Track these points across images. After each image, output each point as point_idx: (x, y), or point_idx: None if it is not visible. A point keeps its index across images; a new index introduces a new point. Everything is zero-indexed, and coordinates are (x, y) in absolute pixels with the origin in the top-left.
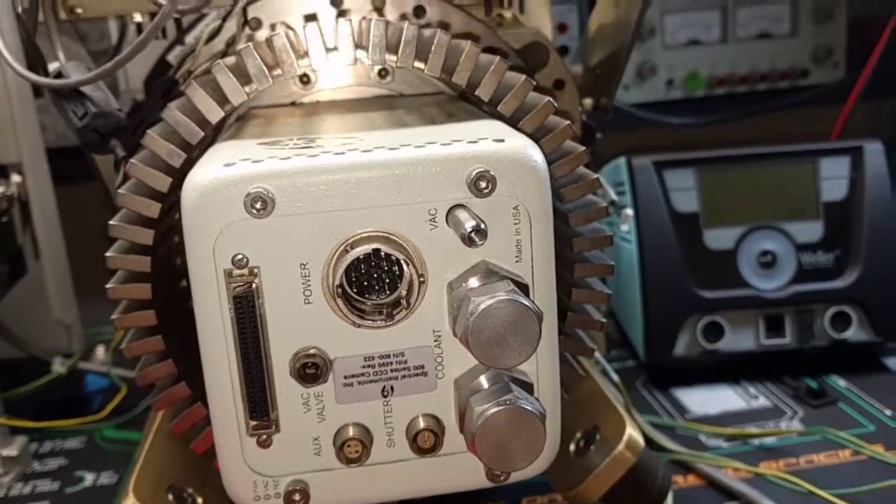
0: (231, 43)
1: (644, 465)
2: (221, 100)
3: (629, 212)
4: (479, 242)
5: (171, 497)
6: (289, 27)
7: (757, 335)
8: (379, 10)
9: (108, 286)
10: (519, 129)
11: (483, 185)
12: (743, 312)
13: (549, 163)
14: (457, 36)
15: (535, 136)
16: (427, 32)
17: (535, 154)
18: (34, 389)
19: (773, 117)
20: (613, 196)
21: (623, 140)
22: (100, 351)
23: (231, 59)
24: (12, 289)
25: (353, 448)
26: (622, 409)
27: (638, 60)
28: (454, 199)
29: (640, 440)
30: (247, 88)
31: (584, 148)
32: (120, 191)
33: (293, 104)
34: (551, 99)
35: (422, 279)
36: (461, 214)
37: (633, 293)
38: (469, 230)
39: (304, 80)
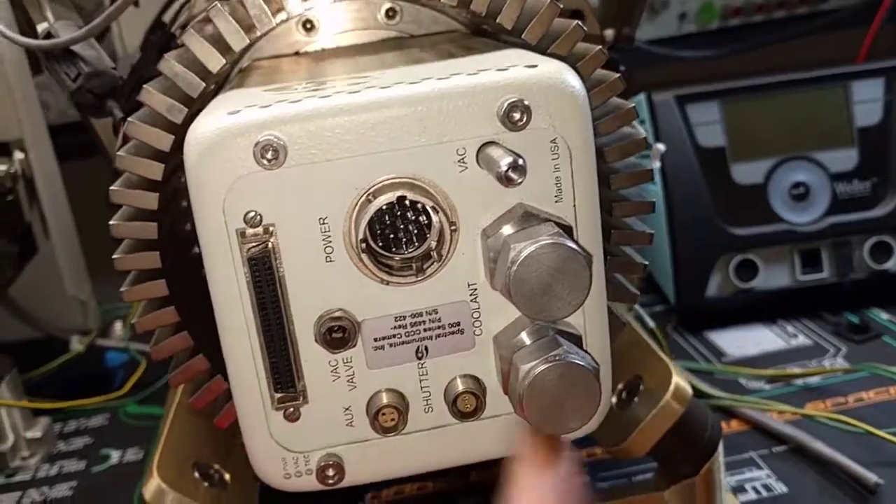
0: None
1: (693, 416)
2: (222, 47)
3: (661, 147)
4: (518, 180)
5: (196, 474)
6: None
7: (793, 271)
8: None
9: (114, 256)
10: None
11: (517, 116)
12: (777, 248)
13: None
14: None
15: (567, 63)
16: None
17: (573, 79)
18: (54, 369)
19: (793, 45)
20: (642, 132)
21: (640, 77)
22: (117, 326)
23: (229, 4)
24: (24, 268)
25: (389, 416)
26: (666, 358)
27: None
28: (485, 136)
29: (688, 389)
30: (248, 34)
31: (618, 74)
32: (119, 153)
33: (297, 54)
34: (579, 22)
35: (453, 227)
36: (494, 152)
37: (660, 234)
38: (505, 168)
39: (308, 26)
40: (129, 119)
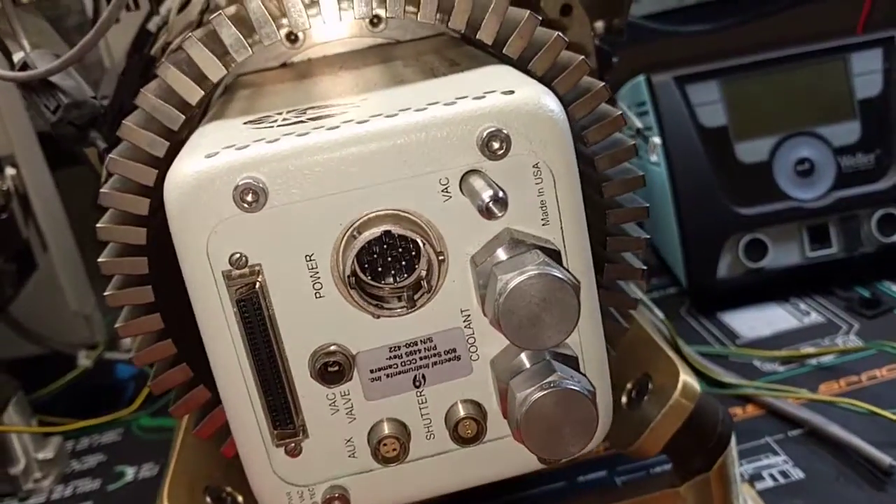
0: (205, 10)
1: (703, 411)
2: (199, 77)
3: (657, 140)
4: (500, 214)
5: (208, 499)
6: None
7: (802, 248)
8: None
9: (106, 293)
10: (529, 72)
11: (496, 145)
12: (785, 226)
13: (567, 104)
14: None
15: (549, 77)
16: None
17: (550, 102)
18: (62, 386)
19: (794, 14)
20: (638, 123)
21: (638, 55)
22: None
23: (203, 31)
24: (25, 286)
25: (391, 446)
26: (673, 354)
27: None
28: (466, 165)
29: (696, 386)
30: (225, 60)
31: (602, 84)
32: (103, 190)
33: (284, 65)
34: (561, 34)
35: (441, 257)
36: (476, 182)
37: (667, 218)
38: (486, 201)
39: (292, 38)
40: (111, 155)
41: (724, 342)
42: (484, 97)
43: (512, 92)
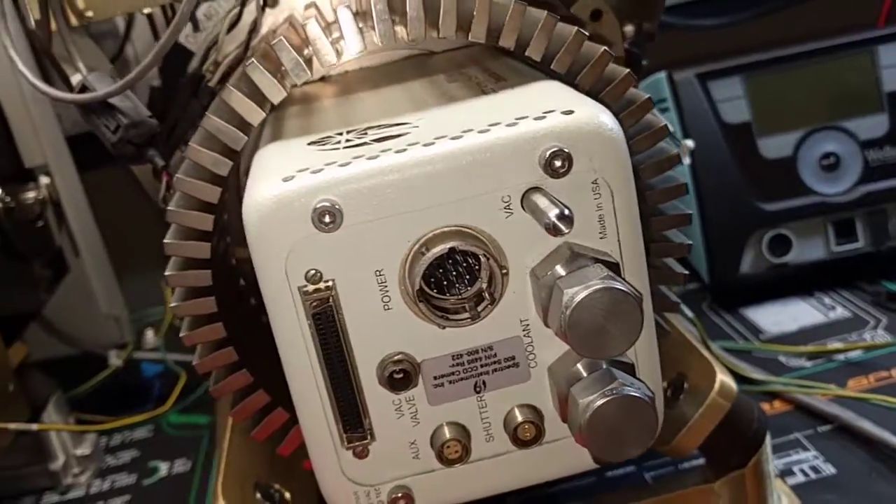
0: (254, 28)
1: (739, 410)
2: (260, 99)
3: (689, 143)
4: (566, 230)
5: (258, 495)
6: (309, 4)
7: (827, 243)
8: None
9: (171, 305)
10: (576, 85)
11: (558, 164)
12: (809, 221)
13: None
14: None
15: (595, 90)
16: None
17: (609, 120)
18: (96, 385)
19: (810, 7)
20: (669, 126)
21: (655, 50)
22: (149, 335)
23: (261, 54)
24: (57, 289)
25: (453, 448)
26: (707, 353)
27: None
28: (528, 183)
29: (734, 385)
30: (284, 83)
31: (647, 96)
32: (170, 208)
33: (322, 79)
34: (607, 49)
35: (504, 271)
36: (540, 201)
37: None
38: (553, 219)
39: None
40: (177, 175)
41: (747, 337)
42: (545, 117)
43: (571, 112)
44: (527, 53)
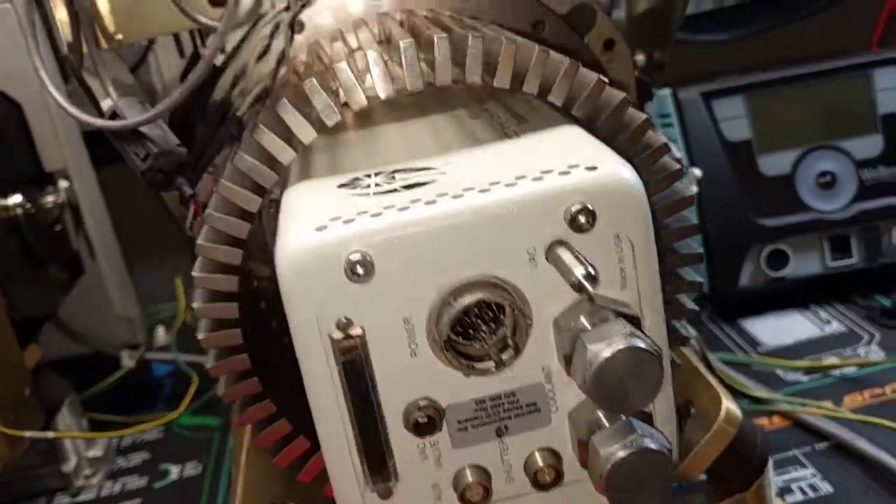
0: (282, 58)
1: (743, 436)
2: (291, 139)
3: (697, 172)
4: (591, 288)
5: None
6: (336, 38)
7: (823, 258)
8: None
9: (199, 336)
10: (595, 130)
11: (583, 220)
12: (806, 237)
13: (630, 158)
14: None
15: (613, 135)
16: (488, 34)
17: (631, 176)
18: (109, 386)
19: (807, 25)
20: (677, 153)
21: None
22: (160, 332)
23: (294, 92)
24: (72, 291)
25: (475, 491)
26: (713, 379)
27: None
28: (553, 236)
29: (738, 412)
30: (315, 123)
31: (664, 141)
32: (199, 242)
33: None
34: (626, 95)
35: (528, 322)
36: (565, 256)
37: None
38: (580, 278)
39: None
40: (208, 211)
41: (745, 349)
42: (569, 172)
43: (595, 167)
44: (549, 99)
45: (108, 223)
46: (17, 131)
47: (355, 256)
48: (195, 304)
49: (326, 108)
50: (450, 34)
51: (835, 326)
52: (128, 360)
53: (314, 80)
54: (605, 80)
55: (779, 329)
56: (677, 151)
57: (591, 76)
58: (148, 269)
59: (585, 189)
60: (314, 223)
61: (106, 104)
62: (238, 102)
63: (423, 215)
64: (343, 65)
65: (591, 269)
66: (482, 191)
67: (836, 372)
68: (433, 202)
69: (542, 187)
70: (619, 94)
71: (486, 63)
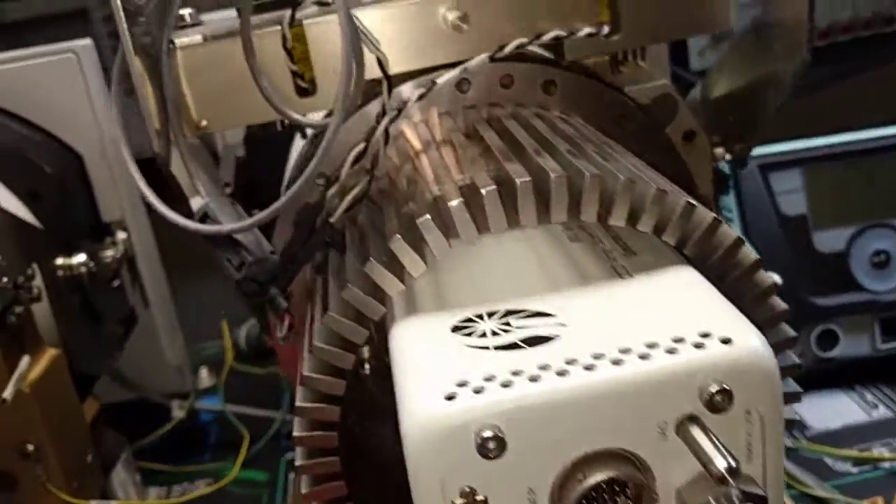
0: (375, 164)
1: None
2: (400, 272)
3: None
4: (731, 482)
5: None
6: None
7: (873, 340)
8: (506, 86)
9: (297, 463)
10: (705, 269)
11: (719, 400)
12: (857, 317)
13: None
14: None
15: (704, 256)
16: (608, 172)
17: (767, 351)
18: (160, 437)
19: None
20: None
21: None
22: (203, 373)
23: (406, 226)
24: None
25: None
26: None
27: None
28: (686, 412)
29: None
30: (426, 257)
31: (756, 257)
32: (305, 373)
33: None
34: (740, 236)
35: (655, 496)
36: (700, 438)
37: None
38: (722, 470)
39: None
40: (315, 343)
41: (794, 434)
42: (704, 346)
43: (729, 340)
44: (663, 238)
45: (162, 272)
46: (78, 182)
47: (488, 433)
48: (295, 433)
49: (441, 246)
50: (566, 169)
51: (882, 411)
52: (178, 412)
53: (429, 218)
54: (694, 203)
55: (826, 411)
56: (733, 226)
57: (706, 216)
58: (186, 300)
59: (724, 368)
60: (441, 389)
61: (195, 203)
62: (331, 205)
63: (555, 387)
64: (457, 203)
65: (734, 462)
66: (614, 361)
67: (886, 465)
68: (564, 372)
69: (678, 362)
70: (733, 235)
71: (571, 201)
